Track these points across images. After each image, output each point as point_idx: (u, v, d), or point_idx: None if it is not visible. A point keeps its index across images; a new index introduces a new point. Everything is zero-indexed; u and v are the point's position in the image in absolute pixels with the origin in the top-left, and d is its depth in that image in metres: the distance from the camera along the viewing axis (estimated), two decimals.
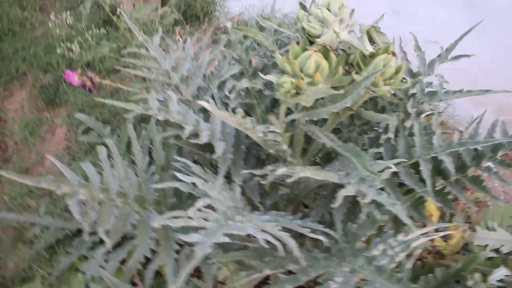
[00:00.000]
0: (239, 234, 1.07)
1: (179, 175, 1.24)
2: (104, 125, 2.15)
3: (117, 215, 1.21)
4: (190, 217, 1.08)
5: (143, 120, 2.14)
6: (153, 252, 1.36)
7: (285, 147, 1.26)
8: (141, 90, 1.98)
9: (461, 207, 1.87)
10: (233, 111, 1.48)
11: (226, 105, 1.55)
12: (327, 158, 1.56)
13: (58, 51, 2.17)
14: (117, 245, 1.43)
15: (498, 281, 1.43)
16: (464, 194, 1.30)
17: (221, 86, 1.61)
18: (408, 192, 1.30)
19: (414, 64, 1.49)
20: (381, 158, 1.35)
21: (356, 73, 1.29)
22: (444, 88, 1.35)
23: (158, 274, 1.54)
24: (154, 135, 1.43)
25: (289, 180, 1.13)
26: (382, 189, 1.09)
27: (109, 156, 1.33)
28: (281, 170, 1.17)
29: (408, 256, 1.07)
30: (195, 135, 1.31)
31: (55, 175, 1.20)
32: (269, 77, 1.28)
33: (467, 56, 1.38)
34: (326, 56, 1.27)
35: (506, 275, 1.43)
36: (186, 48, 1.69)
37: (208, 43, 1.91)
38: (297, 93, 1.26)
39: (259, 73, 1.29)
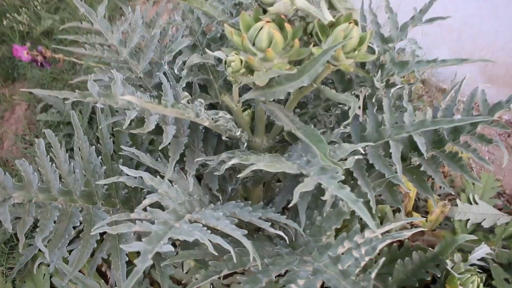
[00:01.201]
0: None
1: (124, 168, 1.12)
2: (64, 100, 2.01)
3: (58, 217, 1.10)
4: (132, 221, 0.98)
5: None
6: None
7: (238, 132, 1.14)
8: (97, 65, 1.83)
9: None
10: (189, 92, 1.35)
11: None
12: (293, 135, 1.44)
13: (5, 23, 1.99)
14: (81, 231, 1.34)
15: (479, 259, 1.35)
16: (439, 175, 1.19)
17: (175, 60, 1.47)
18: (379, 174, 1.19)
19: (385, 28, 1.35)
20: (349, 138, 1.23)
21: (315, 45, 1.15)
22: (417, 56, 1.21)
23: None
24: (100, 121, 1.30)
25: (241, 175, 1.01)
26: (345, 180, 0.98)
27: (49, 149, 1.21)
28: (233, 161, 1.05)
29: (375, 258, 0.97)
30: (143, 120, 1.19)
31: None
32: (217, 54, 1.14)
33: (442, 18, 1.23)
34: (281, 27, 1.12)
35: (487, 253, 1.35)
36: (135, 17, 1.52)
37: (166, 7, 1.73)
38: (250, 70, 1.12)
39: (207, 50, 1.14)
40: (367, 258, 0.95)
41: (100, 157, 1.26)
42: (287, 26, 1.10)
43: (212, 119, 1.07)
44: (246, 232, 1.03)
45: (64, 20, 2.19)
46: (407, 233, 0.96)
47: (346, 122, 1.05)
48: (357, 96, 1.24)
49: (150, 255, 0.90)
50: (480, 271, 1.35)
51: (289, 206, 1.06)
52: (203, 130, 1.36)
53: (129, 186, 1.28)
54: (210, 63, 1.38)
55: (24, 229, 1.03)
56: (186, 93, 1.12)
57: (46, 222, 1.06)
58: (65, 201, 1.15)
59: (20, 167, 1.12)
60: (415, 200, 1.66)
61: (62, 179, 1.18)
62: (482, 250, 1.34)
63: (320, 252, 1.07)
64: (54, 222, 1.08)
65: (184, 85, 1.31)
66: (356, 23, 1.09)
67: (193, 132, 1.35)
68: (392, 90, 1.18)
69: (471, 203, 1.56)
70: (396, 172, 1.12)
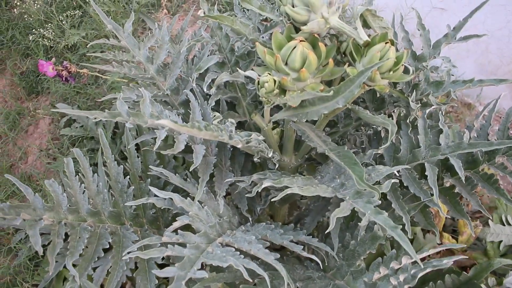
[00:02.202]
0: None
1: (154, 190, 1.11)
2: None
3: (88, 239, 1.09)
4: (166, 245, 0.96)
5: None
6: None
7: (270, 154, 1.11)
8: (123, 80, 1.83)
9: None
10: (217, 111, 1.33)
11: (208, 98, 1.40)
12: (323, 155, 1.41)
13: (31, 38, 2.00)
14: (108, 249, 1.32)
15: None
16: (475, 197, 1.16)
17: (203, 78, 1.46)
18: (412, 196, 1.16)
19: (416, 44, 1.32)
20: (382, 160, 1.20)
21: (349, 64, 1.13)
22: (452, 75, 1.18)
23: None
24: (128, 140, 1.29)
25: (275, 198, 0.99)
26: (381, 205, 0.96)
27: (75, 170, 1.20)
28: (266, 183, 1.03)
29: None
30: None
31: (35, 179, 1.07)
32: (249, 73, 1.12)
33: (478, 36, 1.20)
34: (314, 46, 1.10)
35: None
36: (162, 34, 1.52)
37: (189, 21, 1.72)
38: (283, 90, 1.10)
39: (236, 67, 1.12)
40: (406, 287, 0.92)
41: (128, 176, 1.25)
42: (321, 45, 1.08)
43: (245, 141, 1.05)
44: (278, 256, 1.01)
45: (89, 35, 2.20)
46: (448, 261, 0.93)
47: (384, 146, 1.02)
48: (390, 116, 1.22)
49: (184, 281, 0.89)
50: None
51: (324, 229, 1.03)
52: (231, 149, 1.34)
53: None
54: (239, 81, 1.36)
55: (55, 252, 1.01)
56: (218, 114, 1.11)
57: (76, 244, 1.05)
58: (94, 222, 1.14)
59: (50, 187, 1.11)
60: None
61: (90, 199, 1.17)
62: None
63: (354, 277, 1.05)
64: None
65: (213, 103, 1.29)
66: (392, 43, 1.07)
67: (220, 151, 1.33)
68: (427, 110, 1.15)
69: (503, 224, 1.52)
70: (431, 195, 1.09)
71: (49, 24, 2.13)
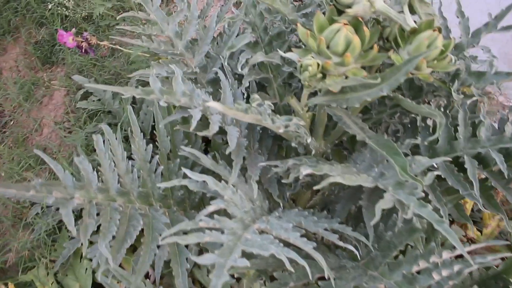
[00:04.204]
0: None
1: (187, 171, 1.08)
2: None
3: (119, 220, 1.07)
4: (201, 230, 0.94)
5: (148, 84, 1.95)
6: None
7: (309, 140, 1.09)
8: (143, 54, 1.78)
9: None
10: (247, 91, 1.30)
11: (238, 78, 1.36)
12: (353, 141, 1.39)
13: (50, 6, 1.94)
14: None
15: None
16: (511, 192, 1.13)
17: (231, 56, 1.42)
18: (448, 189, 1.14)
19: (454, 33, 1.28)
20: (417, 150, 1.17)
21: (394, 51, 1.09)
22: (493, 66, 1.14)
23: None
24: (158, 119, 1.26)
25: (318, 186, 0.96)
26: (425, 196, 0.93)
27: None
28: (306, 171, 1.00)
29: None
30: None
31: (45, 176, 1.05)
32: (289, 55, 1.09)
33: None
34: (358, 30, 1.06)
35: None
36: (191, 8, 1.47)
37: None
38: (323, 75, 1.07)
39: (278, 50, 1.09)
40: (451, 283, 0.90)
41: (157, 156, 1.22)
42: (365, 29, 1.05)
43: (285, 125, 1.02)
44: (315, 244, 1.00)
45: (116, 7, 2.14)
46: (493, 258, 0.91)
47: (432, 138, 0.99)
48: (429, 104, 1.19)
49: (225, 269, 0.87)
50: None
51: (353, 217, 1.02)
52: (260, 131, 1.31)
53: (185, 187, 1.24)
54: (274, 62, 1.32)
55: (88, 233, 0.99)
56: (257, 96, 1.07)
57: (108, 225, 1.03)
58: (123, 202, 1.11)
59: (80, 165, 1.08)
60: None
61: (120, 179, 1.14)
62: None
63: (391, 269, 1.03)
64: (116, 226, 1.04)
65: (247, 84, 1.26)
66: (440, 30, 1.03)
67: (249, 133, 1.31)
68: (469, 101, 1.12)
69: None
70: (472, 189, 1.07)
71: None
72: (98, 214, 1.05)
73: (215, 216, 0.99)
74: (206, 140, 1.77)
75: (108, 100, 1.92)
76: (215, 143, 1.57)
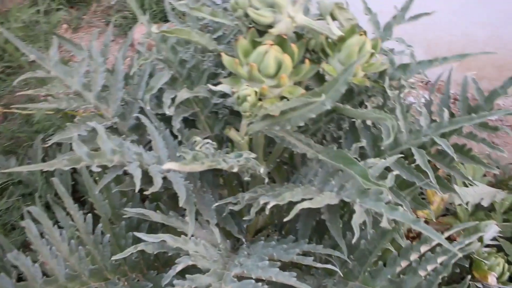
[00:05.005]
0: None
1: (141, 235, 0.99)
2: (7, 156, 1.78)
3: None
4: None
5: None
6: None
7: (262, 170, 1.04)
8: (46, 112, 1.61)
9: None
10: (180, 131, 1.22)
11: (160, 119, 1.27)
12: (292, 156, 1.37)
13: None
14: None
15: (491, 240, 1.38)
16: (457, 169, 1.18)
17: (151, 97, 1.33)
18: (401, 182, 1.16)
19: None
20: (362, 151, 1.18)
21: (316, 62, 1.08)
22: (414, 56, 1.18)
23: None
24: (91, 187, 1.13)
25: (287, 218, 0.92)
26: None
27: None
28: (270, 204, 0.96)
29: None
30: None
31: None
32: (221, 88, 1.04)
33: (427, 14, 1.22)
34: (284, 48, 1.04)
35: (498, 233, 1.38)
36: (94, 55, 1.35)
37: (111, 35, 1.55)
38: (260, 100, 1.03)
39: (209, 85, 1.03)
40: (440, 277, 0.91)
41: (99, 225, 1.10)
42: (293, 46, 1.03)
43: (237, 161, 0.97)
44: (295, 274, 0.96)
45: (2, 69, 1.91)
46: (468, 241, 0.93)
47: (388, 141, 0.99)
48: (365, 107, 1.20)
49: None
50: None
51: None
52: None
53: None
54: (201, 96, 1.26)
55: None
56: (199, 138, 1.01)
57: None
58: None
59: (16, 261, 0.93)
60: None
61: (65, 262, 1.01)
62: (493, 230, 1.37)
63: (373, 276, 1.02)
64: None
65: (178, 126, 1.18)
66: (365, 33, 1.04)
67: (189, 173, 1.23)
68: (402, 95, 1.14)
69: (466, 186, 1.60)
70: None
71: None
72: None
73: (187, 276, 0.91)
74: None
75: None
76: (153, 193, 1.47)
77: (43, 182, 1.63)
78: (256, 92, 0.98)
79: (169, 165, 0.79)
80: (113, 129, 1.33)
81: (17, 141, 1.84)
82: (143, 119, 1.19)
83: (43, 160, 1.72)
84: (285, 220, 0.92)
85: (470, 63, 1.98)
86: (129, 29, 2.08)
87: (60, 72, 1.27)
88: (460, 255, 0.90)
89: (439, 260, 0.93)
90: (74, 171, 1.71)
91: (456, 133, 1.24)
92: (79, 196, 1.66)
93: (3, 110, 1.55)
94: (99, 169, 0.99)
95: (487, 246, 1.40)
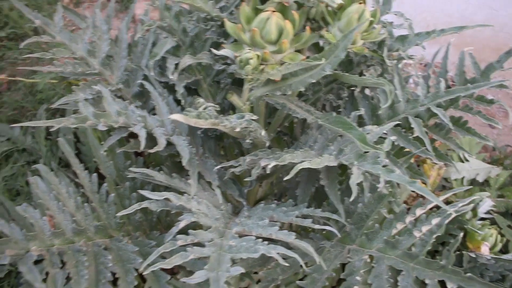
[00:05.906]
0: None
1: (145, 193, 1.02)
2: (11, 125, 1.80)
3: (86, 261, 0.98)
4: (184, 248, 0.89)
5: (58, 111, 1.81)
6: None
7: (263, 133, 1.07)
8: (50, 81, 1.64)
9: None
10: (183, 96, 1.25)
11: (164, 86, 1.30)
12: (291, 126, 1.40)
13: None
14: None
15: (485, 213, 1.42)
16: (453, 140, 1.22)
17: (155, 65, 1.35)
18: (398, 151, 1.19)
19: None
20: (361, 120, 1.21)
21: (316, 30, 1.10)
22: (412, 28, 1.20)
23: None
24: (96, 147, 1.16)
25: (287, 177, 0.96)
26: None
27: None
28: (270, 164, 0.99)
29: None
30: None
31: None
32: (224, 52, 1.06)
33: None
34: (285, 15, 1.07)
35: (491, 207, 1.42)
36: (98, 23, 1.38)
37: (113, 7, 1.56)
38: (261, 65, 1.06)
39: (212, 49, 1.06)
40: (434, 236, 0.95)
41: (104, 184, 1.13)
42: (295, 13, 1.05)
43: (239, 123, 1.00)
44: (295, 234, 0.99)
45: (10, 37, 1.92)
46: (462, 204, 0.97)
47: (386, 105, 1.03)
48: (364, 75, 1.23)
49: (221, 282, 0.83)
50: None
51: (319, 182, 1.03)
52: (201, 135, 1.27)
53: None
54: (204, 63, 1.28)
55: (58, 285, 0.90)
56: (202, 100, 1.03)
57: (77, 270, 0.93)
58: (84, 242, 1.02)
59: (26, 213, 0.97)
60: None
61: (72, 217, 1.04)
62: (487, 204, 1.41)
63: (369, 238, 1.06)
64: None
65: (182, 91, 1.21)
66: (364, 1, 1.06)
67: (191, 139, 1.26)
68: (400, 65, 1.17)
69: (462, 161, 1.63)
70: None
71: None
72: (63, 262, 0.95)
73: (190, 231, 0.95)
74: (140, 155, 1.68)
75: (19, 138, 1.74)
76: (156, 157, 1.50)
77: (47, 149, 1.66)
78: (258, 56, 1.01)
79: (175, 116, 0.82)
80: (117, 97, 1.35)
81: (21, 111, 1.86)
82: (147, 85, 1.22)
83: (46, 129, 1.75)
84: (285, 179, 0.95)
85: (467, 45, 2.00)
86: (130, 5, 2.09)
87: (65, 38, 1.30)
88: (454, 214, 0.94)
89: (434, 222, 0.97)
90: (78, 140, 1.74)
91: (453, 106, 1.27)
92: None
93: (7, 78, 1.57)
94: (105, 128, 1.02)
95: (481, 219, 1.44)
